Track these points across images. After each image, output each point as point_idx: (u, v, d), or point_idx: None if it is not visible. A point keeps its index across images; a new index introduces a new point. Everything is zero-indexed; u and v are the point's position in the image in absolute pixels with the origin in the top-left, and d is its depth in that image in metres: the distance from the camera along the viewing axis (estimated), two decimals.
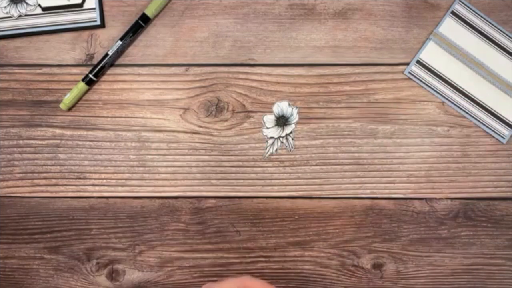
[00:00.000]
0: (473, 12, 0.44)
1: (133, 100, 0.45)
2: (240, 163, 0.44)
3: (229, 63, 0.45)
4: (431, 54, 0.44)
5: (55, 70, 0.45)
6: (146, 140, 0.44)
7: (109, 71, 0.45)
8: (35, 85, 0.45)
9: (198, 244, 0.45)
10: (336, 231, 0.45)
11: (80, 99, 0.44)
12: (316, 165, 0.44)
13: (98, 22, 0.44)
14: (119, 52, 0.44)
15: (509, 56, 0.45)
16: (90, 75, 0.43)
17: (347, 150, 0.44)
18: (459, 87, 0.44)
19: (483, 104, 0.44)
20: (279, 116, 0.44)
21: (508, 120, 0.44)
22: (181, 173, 0.44)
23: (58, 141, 0.45)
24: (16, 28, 0.44)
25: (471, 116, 0.44)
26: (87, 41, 0.45)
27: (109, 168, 0.44)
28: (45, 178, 0.45)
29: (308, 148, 0.44)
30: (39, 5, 0.44)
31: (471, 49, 0.45)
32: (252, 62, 0.45)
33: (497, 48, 0.45)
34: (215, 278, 0.45)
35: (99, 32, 0.45)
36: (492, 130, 0.44)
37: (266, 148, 0.44)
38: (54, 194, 0.45)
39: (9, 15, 0.44)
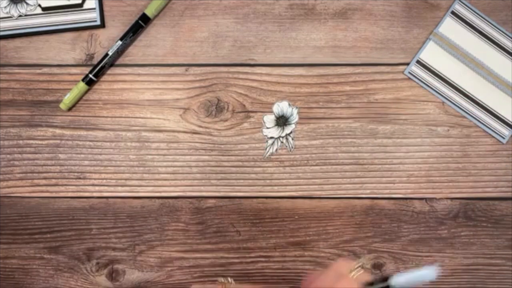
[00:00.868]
0: (473, 12, 0.44)
1: (133, 100, 0.44)
2: (240, 163, 0.44)
3: (229, 63, 0.45)
4: (431, 54, 0.44)
5: (55, 70, 0.45)
6: (146, 140, 0.44)
7: (109, 71, 0.45)
8: (35, 85, 0.45)
9: (198, 244, 0.45)
10: (336, 231, 0.45)
11: (80, 99, 0.44)
12: (316, 165, 0.44)
13: (98, 22, 0.44)
14: (119, 52, 0.44)
15: (509, 56, 0.44)
16: (90, 75, 0.43)
17: (347, 150, 0.44)
18: (459, 87, 0.44)
19: (483, 104, 0.44)
20: (279, 116, 0.44)
21: (508, 120, 0.44)
22: (181, 173, 0.44)
23: (58, 141, 0.44)
24: (16, 28, 0.44)
25: (471, 116, 0.44)
26: (87, 41, 0.45)
27: (109, 168, 0.44)
28: (45, 178, 0.44)
29: (308, 148, 0.44)
30: (39, 5, 0.44)
31: (471, 49, 0.45)
32: (252, 62, 0.45)
33: (497, 48, 0.45)
34: (215, 278, 0.45)
35: (99, 32, 0.45)
36: (492, 130, 0.44)
37: (266, 148, 0.44)
38: (54, 194, 0.45)
39: (9, 15, 0.44)
